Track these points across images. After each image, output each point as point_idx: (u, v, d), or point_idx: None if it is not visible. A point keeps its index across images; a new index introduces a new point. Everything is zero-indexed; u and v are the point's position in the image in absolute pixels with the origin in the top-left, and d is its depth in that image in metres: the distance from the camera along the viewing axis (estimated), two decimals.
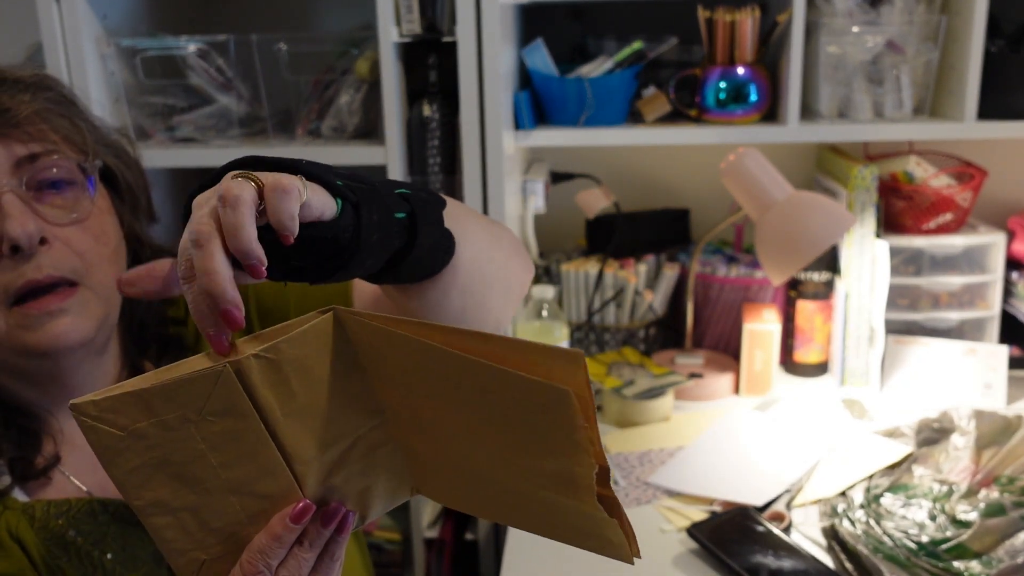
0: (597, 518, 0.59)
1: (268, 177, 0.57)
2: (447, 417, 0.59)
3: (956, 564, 1.08)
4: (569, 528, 0.62)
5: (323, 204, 0.59)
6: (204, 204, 0.56)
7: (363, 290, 0.92)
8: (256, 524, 0.61)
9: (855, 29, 1.47)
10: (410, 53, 1.40)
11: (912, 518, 1.18)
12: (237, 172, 0.58)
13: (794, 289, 1.65)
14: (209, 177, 0.59)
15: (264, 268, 0.56)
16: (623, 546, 0.60)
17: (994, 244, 1.61)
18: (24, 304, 0.77)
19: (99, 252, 0.81)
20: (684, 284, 1.70)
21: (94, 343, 0.83)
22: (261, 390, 0.57)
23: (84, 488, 0.84)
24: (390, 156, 1.40)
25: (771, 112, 1.55)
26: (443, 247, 0.71)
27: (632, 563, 0.59)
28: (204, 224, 0.55)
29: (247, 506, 0.60)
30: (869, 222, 1.55)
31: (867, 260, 1.56)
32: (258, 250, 0.55)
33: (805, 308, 1.64)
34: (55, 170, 0.79)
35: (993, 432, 1.34)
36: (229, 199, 0.55)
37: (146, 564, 0.83)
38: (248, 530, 0.61)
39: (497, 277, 0.82)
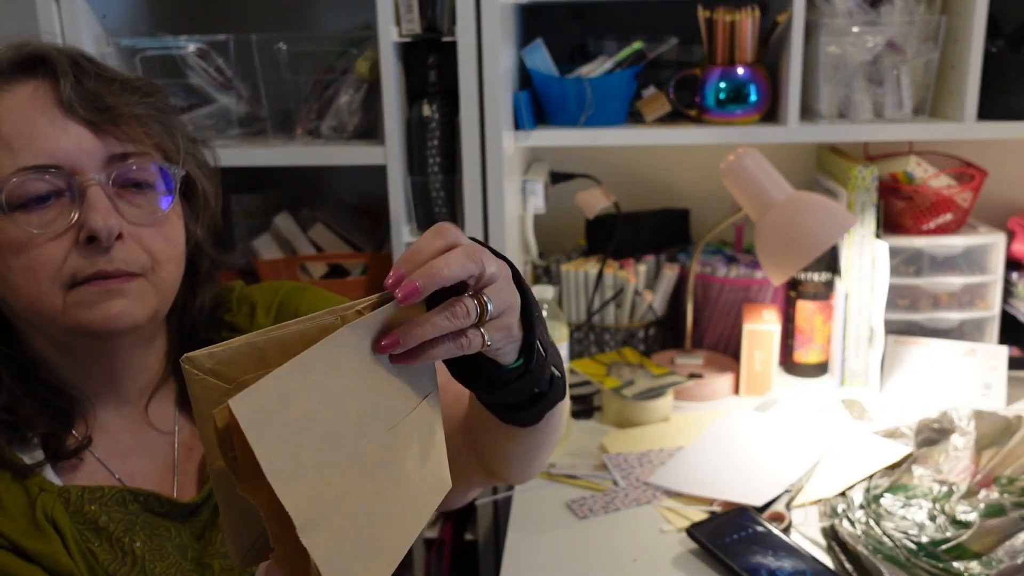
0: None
1: (500, 322, 0.68)
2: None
3: (956, 565, 1.08)
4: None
5: (508, 355, 0.71)
6: (480, 255, 0.65)
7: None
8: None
9: (855, 29, 1.47)
10: (410, 53, 1.40)
11: (912, 518, 1.18)
12: (502, 276, 0.68)
13: (794, 289, 1.65)
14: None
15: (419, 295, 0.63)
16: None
17: (994, 244, 1.61)
18: (88, 283, 0.79)
19: (167, 252, 0.84)
20: (684, 284, 1.70)
21: (143, 332, 0.86)
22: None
23: (116, 475, 0.87)
24: (390, 156, 1.39)
25: (771, 112, 1.55)
26: (559, 394, 0.81)
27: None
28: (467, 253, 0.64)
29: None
30: (869, 222, 1.55)
31: (867, 260, 1.56)
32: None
33: (805, 308, 1.64)
34: (141, 172, 0.83)
35: (993, 433, 1.34)
36: (459, 313, 0.64)
37: (171, 555, 0.85)
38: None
39: (561, 425, 0.92)
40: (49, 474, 0.83)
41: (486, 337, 0.66)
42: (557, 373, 0.80)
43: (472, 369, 0.73)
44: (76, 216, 0.79)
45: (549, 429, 0.88)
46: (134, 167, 0.82)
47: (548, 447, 0.93)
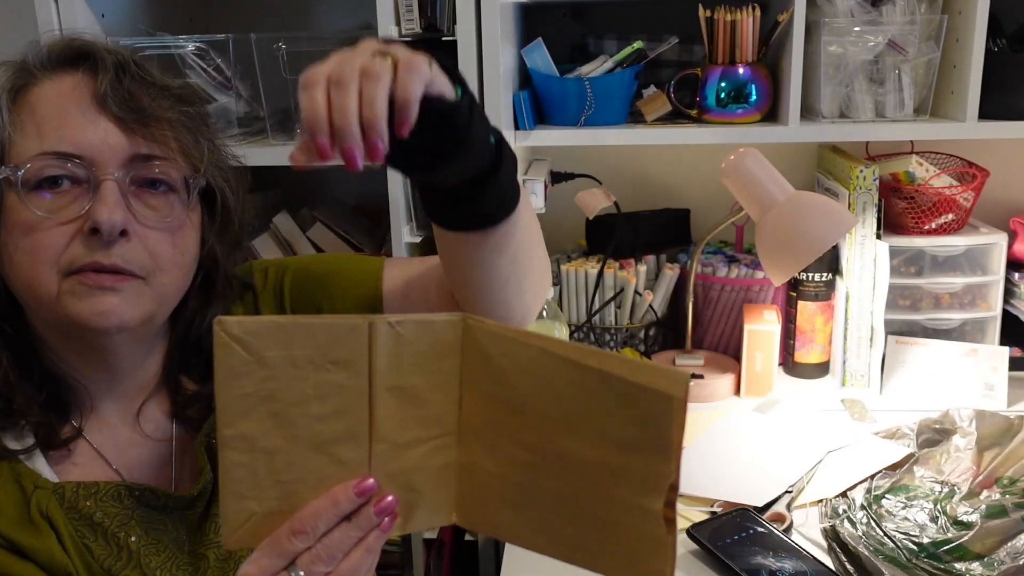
0: (652, 533, 0.61)
1: (403, 54, 0.64)
2: (530, 426, 0.65)
3: (957, 566, 1.07)
4: (610, 544, 0.64)
5: (445, 85, 0.67)
6: (348, 61, 0.63)
7: (393, 281, 0.97)
8: (317, 490, 0.66)
9: (856, 29, 1.46)
10: None
11: (913, 519, 1.18)
12: (376, 48, 0.64)
13: (795, 290, 1.65)
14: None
15: (383, 147, 0.63)
16: (664, 574, 0.61)
17: (995, 245, 1.61)
18: (81, 273, 0.80)
19: (172, 259, 0.84)
20: (684, 284, 1.70)
21: (136, 333, 0.86)
22: (380, 355, 0.65)
23: (113, 466, 0.87)
24: None
25: (772, 112, 1.55)
26: (513, 192, 0.79)
27: None
28: (370, 67, 0.62)
29: (319, 468, 0.66)
30: (870, 222, 1.55)
31: (868, 261, 1.56)
32: (384, 126, 0.62)
33: (806, 309, 1.64)
34: (161, 174, 0.83)
35: (994, 433, 1.33)
36: (371, 73, 0.62)
37: (168, 548, 0.85)
38: (308, 495, 0.66)
39: (536, 260, 0.91)
40: (44, 470, 0.83)
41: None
42: (497, 137, 0.76)
43: (439, 140, 0.69)
44: (87, 207, 0.79)
45: (516, 233, 0.84)
46: (155, 169, 0.82)
47: (521, 268, 0.88)
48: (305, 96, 0.63)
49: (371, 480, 0.67)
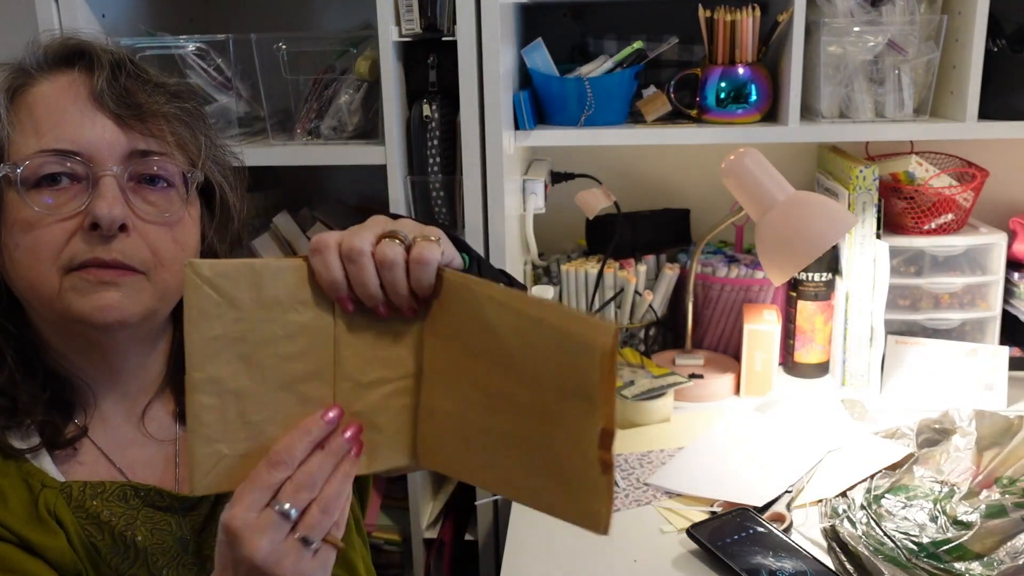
0: (589, 476, 0.63)
1: (413, 231, 0.69)
2: (481, 369, 0.68)
3: (957, 565, 1.07)
4: (552, 487, 0.66)
5: (454, 254, 0.72)
6: (358, 236, 0.68)
7: None
8: (285, 429, 0.69)
9: (856, 29, 1.46)
10: (410, 53, 1.40)
11: (913, 519, 1.18)
12: (385, 227, 0.69)
13: (795, 289, 1.65)
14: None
15: (413, 312, 0.70)
16: (600, 515, 0.63)
17: (995, 244, 1.61)
18: (82, 270, 0.80)
19: (172, 254, 0.84)
20: (684, 284, 1.70)
21: (138, 330, 0.86)
22: None
23: (117, 466, 0.87)
24: (390, 156, 1.39)
25: (771, 112, 1.55)
26: None
27: (605, 534, 0.63)
28: (385, 255, 0.68)
29: (287, 406, 0.69)
30: (870, 222, 1.55)
31: (868, 260, 1.56)
32: (411, 302, 0.70)
33: (806, 308, 1.64)
34: (159, 170, 0.84)
35: (994, 433, 1.33)
36: (387, 262, 0.67)
37: (172, 549, 0.86)
38: (276, 434, 0.69)
39: None
40: (51, 469, 0.83)
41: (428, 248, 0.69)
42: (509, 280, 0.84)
43: None
44: (86, 203, 0.80)
45: None
46: (153, 165, 0.83)
47: None
48: (318, 261, 0.68)
49: (336, 408, 0.70)
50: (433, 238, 0.69)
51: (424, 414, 0.73)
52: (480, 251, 1.40)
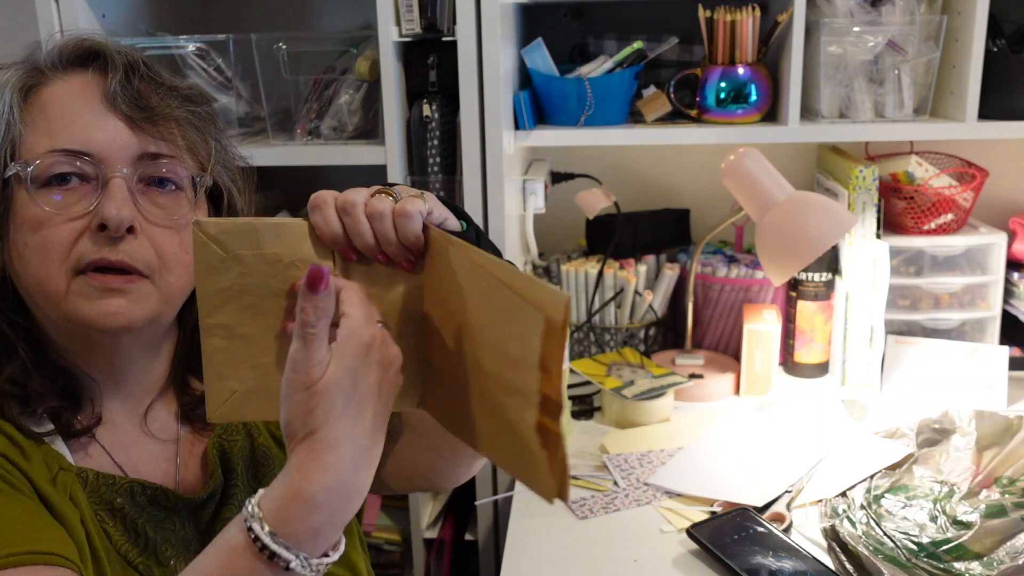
0: (530, 444, 0.64)
1: (404, 192, 0.73)
2: (455, 329, 0.71)
3: (956, 565, 1.07)
4: (512, 452, 0.68)
5: (445, 214, 0.74)
6: (353, 192, 0.71)
7: None
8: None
9: (856, 29, 1.46)
10: (410, 53, 1.40)
11: (913, 519, 1.18)
12: (379, 189, 0.72)
13: (794, 289, 1.65)
14: None
15: (410, 264, 0.73)
16: (547, 485, 0.65)
17: (995, 244, 1.61)
18: (89, 274, 0.80)
19: (179, 258, 0.84)
20: (684, 284, 1.70)
21: (144, 333, 0.86)
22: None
23: (120, 466, 0.87)
24: (390, 156, 1.39)
25: (771, 112, 1.55)
26: None
27: (551, 503, 0.65)
28: (374, 205, 0.71)
29: (288, 351, 0.70)
30: (870, 222, 1.55)
31: (868, 260, 1.56)
32: (405, 253, 0.72)
33: (805, 308, 1.64)
34: (169, 173, 0.84)
35: (994, 433, 1.33)
36: (375, 212, 0.70)
37: (177, 546, 0.86)
38: (277, 375, 0.72)
39: None
40: (66, 454, 0.84)
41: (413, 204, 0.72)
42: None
43: None
44: (95, 204, 0.80)
45: None
46: (162, 168, 0.83)
47: None
48: (317, 215, 0.72)
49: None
50: (417, 194, 0.73)
51: (426, 364, 0.76)
52: None
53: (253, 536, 0.66)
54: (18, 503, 0.75)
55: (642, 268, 1.71)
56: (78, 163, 0.80)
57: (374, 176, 1.44)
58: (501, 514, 1.47)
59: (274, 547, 0.65)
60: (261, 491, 0.68)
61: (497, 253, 0.80)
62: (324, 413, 0.67)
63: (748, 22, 1.48)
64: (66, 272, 0.80)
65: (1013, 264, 1.65)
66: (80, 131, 0.81)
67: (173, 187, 0.84)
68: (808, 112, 1.54)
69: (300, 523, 0.66)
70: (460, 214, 0.78)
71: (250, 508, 0.67)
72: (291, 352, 0.68)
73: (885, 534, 1.14)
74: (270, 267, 0.72)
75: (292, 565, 0.66)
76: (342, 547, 0.71)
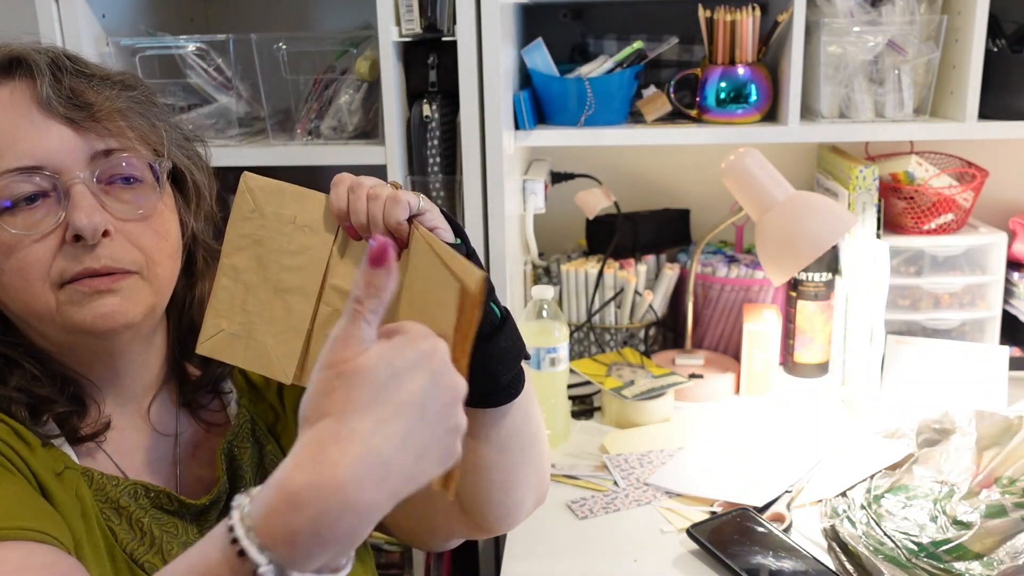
0: None
1: (398, 190, 0.80)
2: (406, 306, 0.75)
3: (957, 565, 1.07)
4: None
5: (441, 223, 0.80)
6: (367, 179, 0.80)
7: None
8: (269, 327, 0.82)
9: (856, 29, 1.46)
10: (410, 53, 1.40)
11: (913, 519, 1.18)
12: (390, 181, 0.80)
13: (794, 289, 1.65)
14: None
15: (381, 241, 0.66)
16: None
17: (995, 244, 1.61)
18: (76, 282, 0.79)
19: (160, 248, 0.84)
20: (684, 284, 1.70)
21: (139, 329, 0.85)
22: (344, 233, 0.81)
23: (123, 471, 0.87)
24: (390, 156, 1.39)
25: (771, 112, 1.55)
26: (516, 354, 0.85)
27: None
28: (375, 190, 0.80)
29: (273, 309, 0.82)
30: (870, 222, 1.55)
31: (868, 260, 1.56)
32: (383, 230, 0.79)
33: (805, 308, 1.64)
34: (127, 167, 0.82)
35: (994, 433, 1.33)
36: (372, 194, 0.79)
37: (178, 550, 0.85)
38: (260, 328, 0.82)
39: (539, 439, 0.93)
40: (72, 456, 0.83)
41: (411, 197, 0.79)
42: (521, 348, 0.85)
43: None
44: (63, 216, 0.78)
45: (525, 436, 0.89)
46: (119, 163, 0.81)
47: (525, 467, 0.92)
48: (333, 191, 0.80)
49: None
50: (422, 197, 0.80)
51: None
52: (480, 251, 1.40)
53: (229, 526, 0.56)
54: (12, 483, 0.74)
55: (642, 268, 1.71)
56: (36, 179, 0.78)
57: (375, 175, 1.45)
58: None
59: (245, 542, 0.55)
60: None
61: (502, 309, 0.83)
62: (343, 399, 0.56)
63: (748, 22, 1.48)
64: (51, 288, 0.79)
65: (1013, 264, 1.65)
66: (25, 145, 0.78)
67: (134, 180, 0.82)
68: (808, 112, 1.54)
69: (277, 519, 0.54)
70: (458, 232, 0.82)
71: (244, 497, 0.58)
72: (333, 330, 0.59)
73: (885, 534, 1.14)
74: (284, 226, 0.81)
75: (261, 571, 0.54)
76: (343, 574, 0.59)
